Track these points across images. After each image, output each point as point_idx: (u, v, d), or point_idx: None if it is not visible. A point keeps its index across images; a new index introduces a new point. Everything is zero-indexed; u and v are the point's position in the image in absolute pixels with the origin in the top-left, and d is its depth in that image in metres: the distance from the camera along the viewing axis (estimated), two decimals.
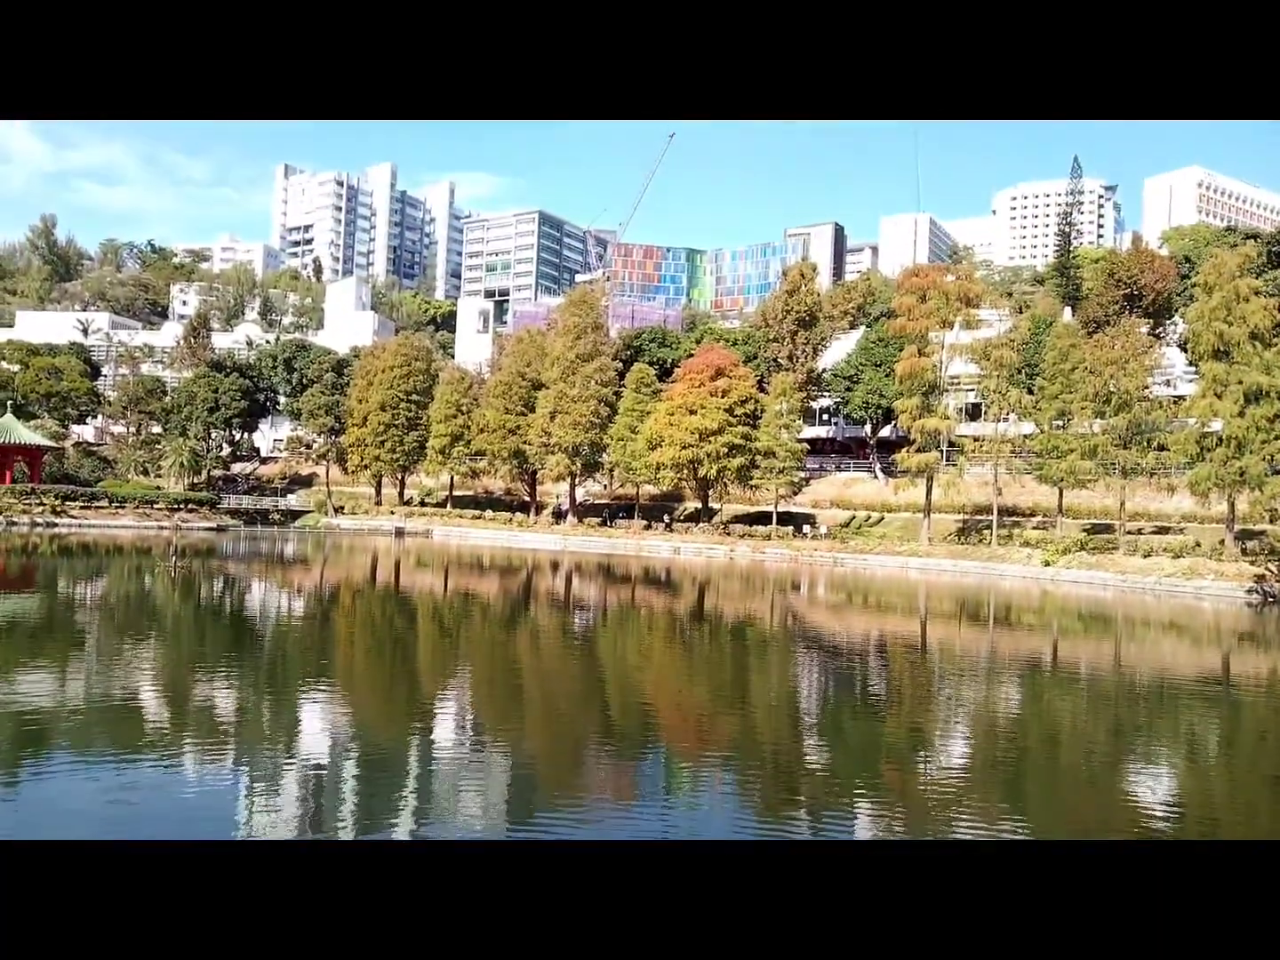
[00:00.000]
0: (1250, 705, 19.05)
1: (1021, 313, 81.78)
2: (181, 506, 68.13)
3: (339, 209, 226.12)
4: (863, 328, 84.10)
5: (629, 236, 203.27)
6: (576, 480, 76.22)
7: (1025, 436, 59.67)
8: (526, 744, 13.55)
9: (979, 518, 61.15)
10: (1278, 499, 43.40)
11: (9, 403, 74.15)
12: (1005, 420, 59.87)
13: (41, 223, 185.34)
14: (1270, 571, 42.84)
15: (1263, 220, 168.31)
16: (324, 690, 16.84)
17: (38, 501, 60.28)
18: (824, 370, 78.42)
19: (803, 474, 69.10)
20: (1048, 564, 51.30)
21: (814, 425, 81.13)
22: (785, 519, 66.65)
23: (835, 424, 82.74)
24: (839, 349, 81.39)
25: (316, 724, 14.23)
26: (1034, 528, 58.56)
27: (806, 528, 66.29)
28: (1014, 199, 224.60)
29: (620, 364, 76.26)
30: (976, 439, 60.70)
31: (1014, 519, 60.36)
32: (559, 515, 76.99)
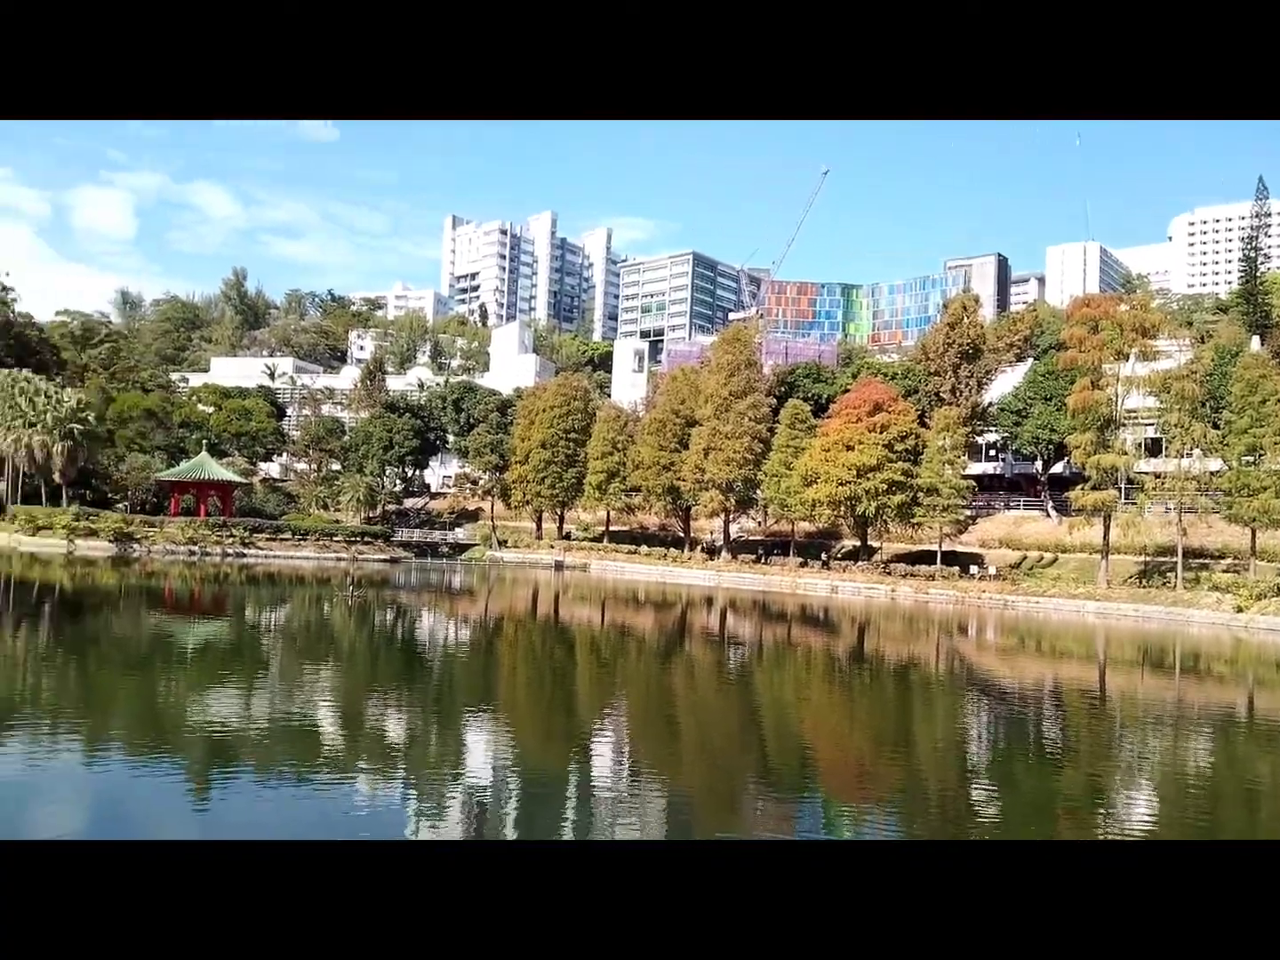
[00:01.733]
0: None
1: (1204, 342, 76.60)
2: (358, 539, 71.88)
3: (503, 256, 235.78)
4: (1030, 360, 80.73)
5: (783, 274, 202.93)
6: (731, 516, 76.04)
7: (1212, 473, 55.57)
8: (682, 779, 13.52)
9: (1161, 559, 57.22)
10: None
11: (204, 442, 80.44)
12: (1188, 456, 55.91)
13: (234, 276, 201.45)
14: None
15: None
16: (487, 717, 17.34)
17: (229, 534, 64.92)
18: (989, 404, 75.56)
19: (969, 512, 66.48)
20: (1240, 610, 47.36)
21: (980, 461, 78.15)
22: (950, 559, 64.26)
23: (1003, 460, 79.46)
24: (1005, 382, 78.32)
25: (477, 749, 14.66)
26: (1223, 570, 54.29)
27: (973, 568, 63.68)
28: (1191, 224, 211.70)
29: (774, 400, 75.87)
30: (1157, 476, 56.96)
31: (1200, 561, 56.15)
32: (713, 551, 76.92)
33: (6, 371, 75.51)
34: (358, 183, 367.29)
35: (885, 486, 62.83)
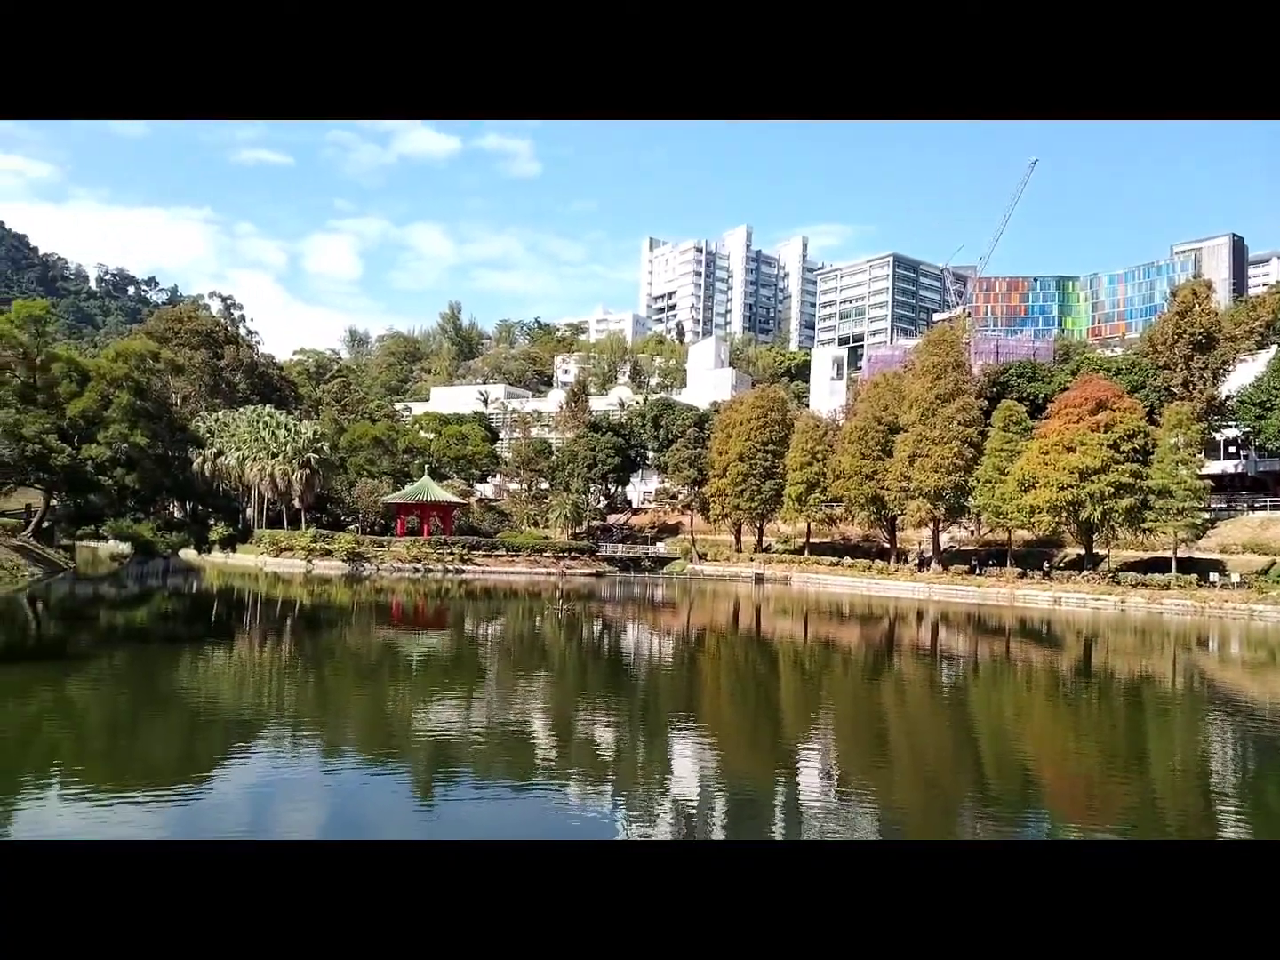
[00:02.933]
0: None
1: None
2: (566, 554, 74.46)
3: (699, 274, 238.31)
4: (1274, 347, 73.22)
5: (991, 269, 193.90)
6: (940, 525, 73.14)
7: None
8: (893, 798, 13.09)
9: None
10: None
11: (426, 466, 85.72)
12: None
13: (449, 309, 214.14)
14: None
15: None
16: (693, 729, 17.47)
17: (449, 551, 68.81)
18: (1229, 397, 69.11)
19: (1206, 515, 60.87)
20: None
21: (1218, 459, 71.55)
22: (1186, 566, 59.04)
23: (1245, 457, 72.38)
24: (1245, 372, 71.38)
25: (682, 761, 14.78)
26: None
27: (1214, 576, 58.24)
28: None
29: (985, 402, 72.42)
30: None
31: None
32: (922, 562, 74.19)
33: (253, 408, 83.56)
34: (559, 214, 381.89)
35: (1111, 490, 58.60)
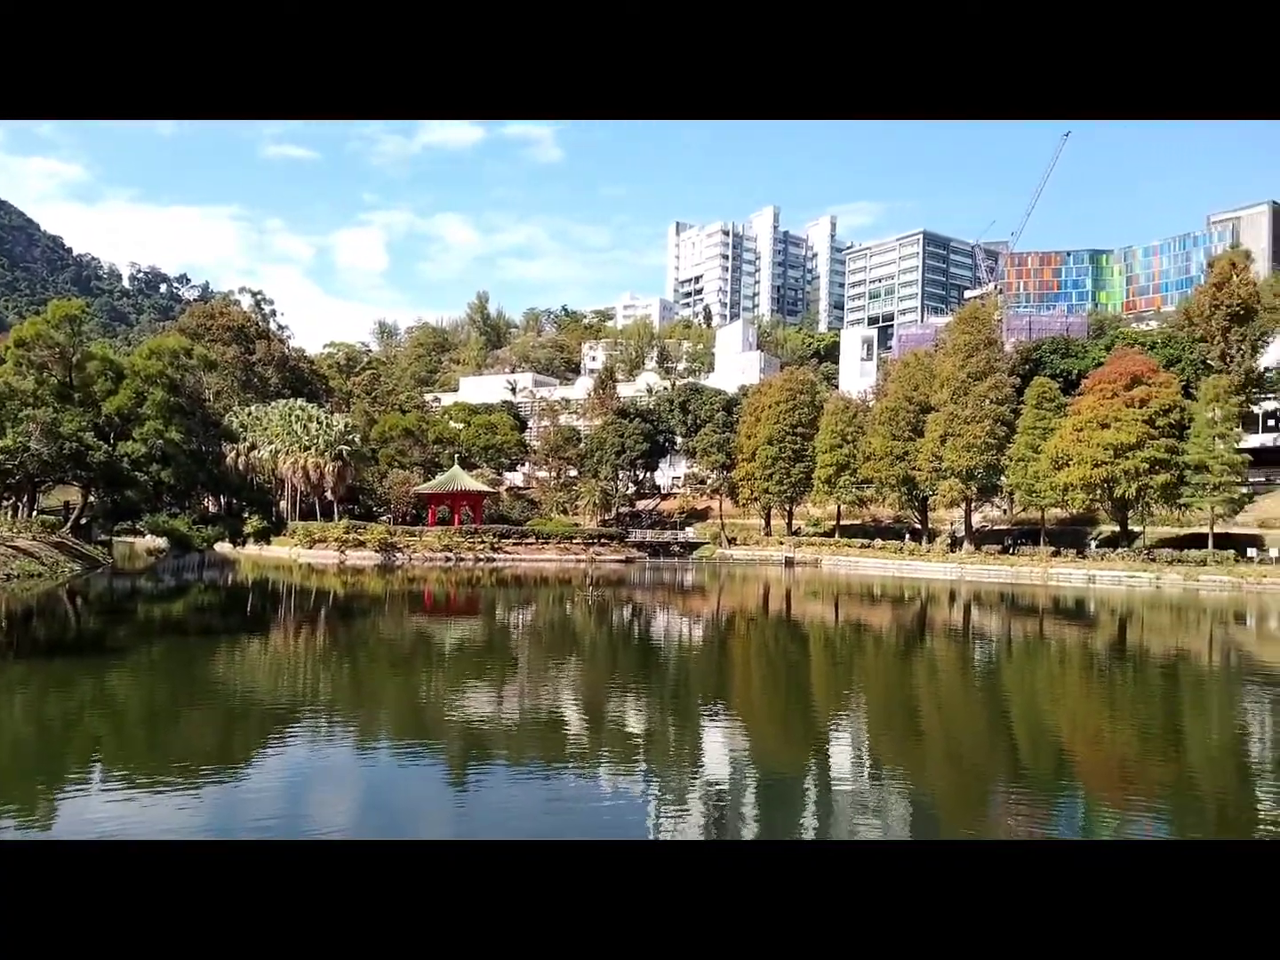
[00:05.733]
0: None
1: None
2: (595, 541, 74.68)
3: (725, 257, 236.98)
4: None
5: (1022, 245, 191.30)
6: (972, 505, 72.50)
7: None
8: (926, 779, 13.05)
9: None
10: None
11: (456, 456, 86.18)
12: None
13: (477, 299, 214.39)
14: None
15: None
16: (722, 714, 17.50)
17: (479, 540, 69.22)
18: (1268, 370, 67.88)
19: (1244, 489, 59.86)
20: None
21: (1257, 433, 70.25)
22: (1224, 542, 58.14)
23: None
24: None
25: (714, 746, 14.81)
26: None
27: (1252, 551, 57.33)
28: None
29: (1017, 380, 71.59)
30: None
31: None
32: (954, 543, 73.63)
33: (285, 402, 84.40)
34: (585, 201, 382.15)
35: (1147, 466, 57.89)
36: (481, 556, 67.11)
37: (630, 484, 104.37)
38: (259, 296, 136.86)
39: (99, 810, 10.09)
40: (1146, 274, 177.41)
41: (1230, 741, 15.89)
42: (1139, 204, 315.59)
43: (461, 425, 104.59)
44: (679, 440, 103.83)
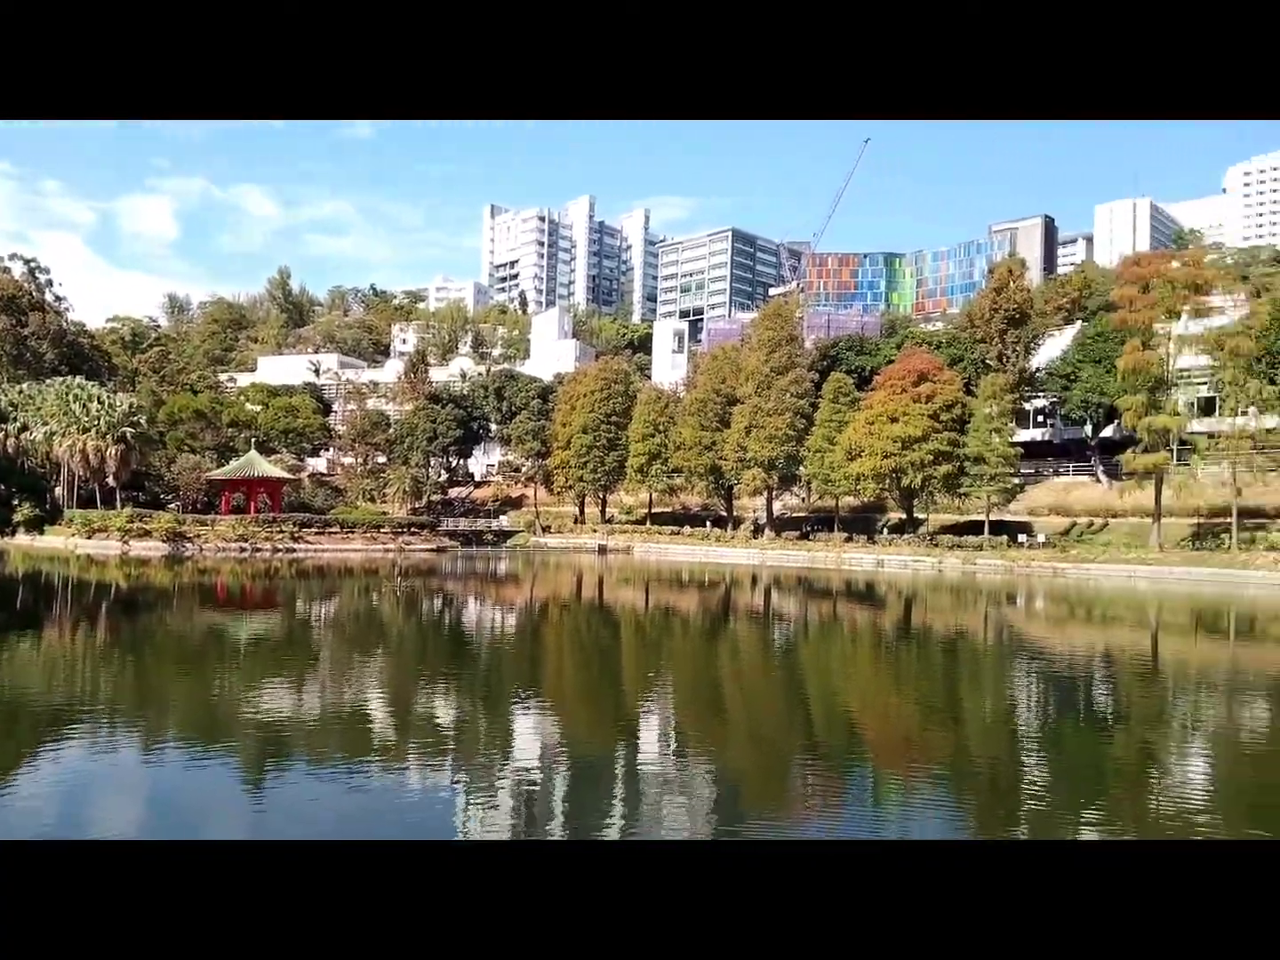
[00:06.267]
0: None
1: (1259, 296, 74.32)
2: (405, 530, 72.77)
3: (541, 243, 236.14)
4: (1079, 323, 79.08)
5: (823, 246, 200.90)
6: (774, 494, 75.68)
7: (1268, 431, 54.19)
8: (728, 757, 13.51)
9: (1216, 521, 55.90)
10: None
11: (253, 440, 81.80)
12: (1244, 414, 54.49)
13: (278, 275, 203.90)
14: None
15: None
16: (533, 701, 17.49)
17: (278, 529, 65.99)
18: (1037, 370, 74.27)
19: (1016, 480, 65.44)
20: None
21: (1028, 428, 76.84)
22: (998, 528, 63.35)
23: (1051, 426, 78.06)
24: (1053, 346, 76.87)
25: (524, 733, 14.78)
26: None
27: (1022, 537, 62.76)
28: (1247, 174, 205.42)
29: (816, 375, 75.21)
30: (1211, 436, 55.65)
31: (1257, 521, 54.73)
32: (756, 529, 76.66)
33: (61, 379, 77.44)
34: (397, 178, 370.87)
35: (931, 457, 62.14)
36: (281, 547, 64.03)
37: (442, 471, 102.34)
38: (32, 264, 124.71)
39: None
40: (935, 278, 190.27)
41: (1002, 711, 17.33)
42: (930, 211, 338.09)
43: (260, 407, 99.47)
44: (494, 427, 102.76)
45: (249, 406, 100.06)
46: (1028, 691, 19.71)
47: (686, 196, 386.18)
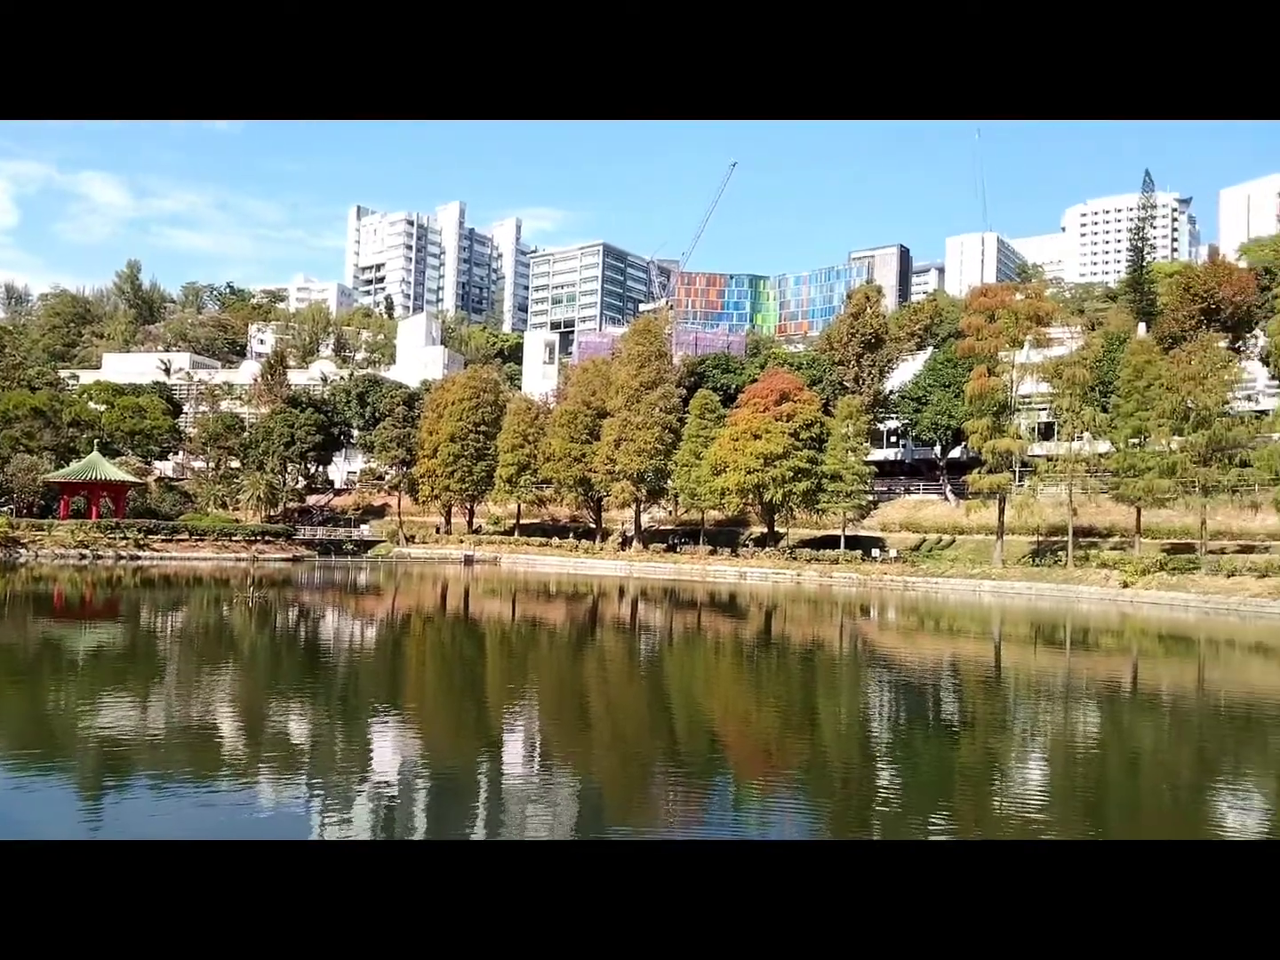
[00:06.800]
0: None
1: (1094, 330, 79.89)
2: (258, 538, 69.88)
3: (410, 247, 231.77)
4: (930, 349, 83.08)
5: (692, 265, 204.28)
6: (642, 507, 76.41)
7: (1100, 455, 58.23)
8: (591, 768, 13.58)
9: (1054, 539, 59.66)
10: None
11: (95, 441, 77.08)
12: (1079, 439, 58.42)
13: (127, 268, 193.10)
14: None
15: None
16: (392, 716, 17.12)
17: (122, 535, 62.38)
18: (891, 392, 77.58)
19: (871, 497, 68.22)
20: (1126, 585, 49.77)
21: (882, 448, 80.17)
22: (853, 543, 65.83)
23: (904, 446, 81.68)
24: (906, 370, 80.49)
25: (384, 748, 14.46)
26: (1111, 548, 56.92)
27: (875, 551, 65.38)
28: (1084, 215, 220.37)
29: (684, 391, 76.48)
30: (1050, 459, 59.38)
31: (1090, 540, 58.72)
32: (625, 542, 77.21)
33: None
34: (259, 174, 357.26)
35: (791, 474, 64.02)
36: (124, 554, 60.54)
37: (301, 478, 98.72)
38: None
39: None
40: (797, 300, 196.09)
41: (855, 718, 18.02)
42: (793, 235, 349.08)
43: (104, 407, 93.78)
44: (356, 433, 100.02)
45: (92, 405, 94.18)
46: (880, 699, 20.55)
47: (555, 208, 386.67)
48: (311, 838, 9.64)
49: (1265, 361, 60.22)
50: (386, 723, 16.33)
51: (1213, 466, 50.86)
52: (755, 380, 75.49)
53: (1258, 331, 70.56)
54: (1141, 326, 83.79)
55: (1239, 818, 11.54)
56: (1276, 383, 53.99)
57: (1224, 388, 52.35)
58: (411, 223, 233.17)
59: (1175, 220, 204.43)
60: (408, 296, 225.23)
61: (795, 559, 65.07)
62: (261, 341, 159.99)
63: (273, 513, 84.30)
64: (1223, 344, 59.62)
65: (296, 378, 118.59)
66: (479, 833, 10.12)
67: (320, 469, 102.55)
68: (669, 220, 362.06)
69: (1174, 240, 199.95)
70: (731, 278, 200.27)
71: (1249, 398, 61.78)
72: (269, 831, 9.66)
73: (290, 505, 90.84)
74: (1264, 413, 56.40)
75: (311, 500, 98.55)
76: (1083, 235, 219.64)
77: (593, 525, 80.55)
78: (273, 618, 34.51)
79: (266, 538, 70.69)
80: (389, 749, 14.26)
